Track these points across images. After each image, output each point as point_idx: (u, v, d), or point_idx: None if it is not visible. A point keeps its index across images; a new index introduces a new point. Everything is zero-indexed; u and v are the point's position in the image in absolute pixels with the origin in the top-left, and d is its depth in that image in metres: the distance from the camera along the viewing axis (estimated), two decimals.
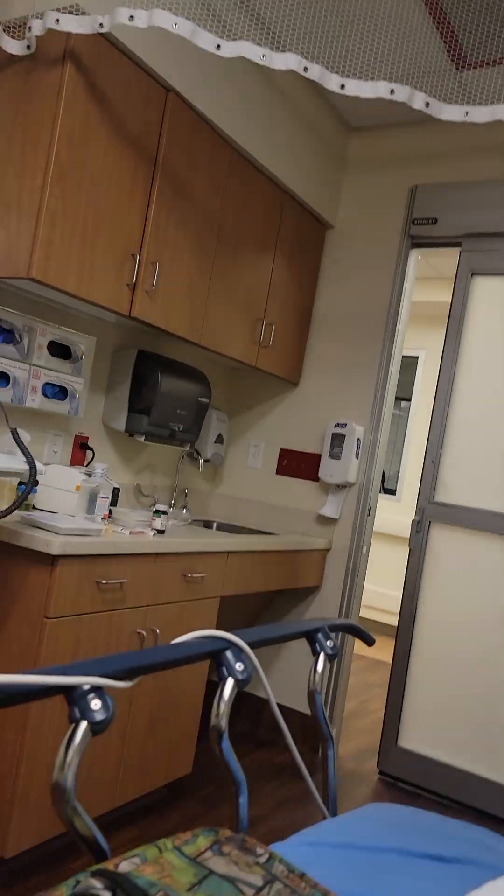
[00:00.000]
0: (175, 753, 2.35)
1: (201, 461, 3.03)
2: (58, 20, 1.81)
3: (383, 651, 4.91)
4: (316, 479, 3.12)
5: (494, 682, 2.66)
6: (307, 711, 3.01)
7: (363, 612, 5.25)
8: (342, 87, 1.90)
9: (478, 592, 2.72)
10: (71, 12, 1.90)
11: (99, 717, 0.82)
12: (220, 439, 3.17)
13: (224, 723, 1.07)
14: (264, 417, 3.29)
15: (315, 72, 1.87)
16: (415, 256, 3.04)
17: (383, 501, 5.49)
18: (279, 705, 3.09)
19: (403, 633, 2.86)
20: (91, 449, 2.58)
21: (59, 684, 0.81)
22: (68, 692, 0.83)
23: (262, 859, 0.87)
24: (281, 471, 3.22)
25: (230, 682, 1.07)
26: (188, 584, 2.30)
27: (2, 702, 0.74)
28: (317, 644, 1.31)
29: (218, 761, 1.09)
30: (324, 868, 0.98)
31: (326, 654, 1.30)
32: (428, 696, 2.79)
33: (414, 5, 2.31)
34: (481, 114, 1.92)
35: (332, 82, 1.87)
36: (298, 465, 3.18)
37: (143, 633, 2.14)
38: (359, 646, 4.92)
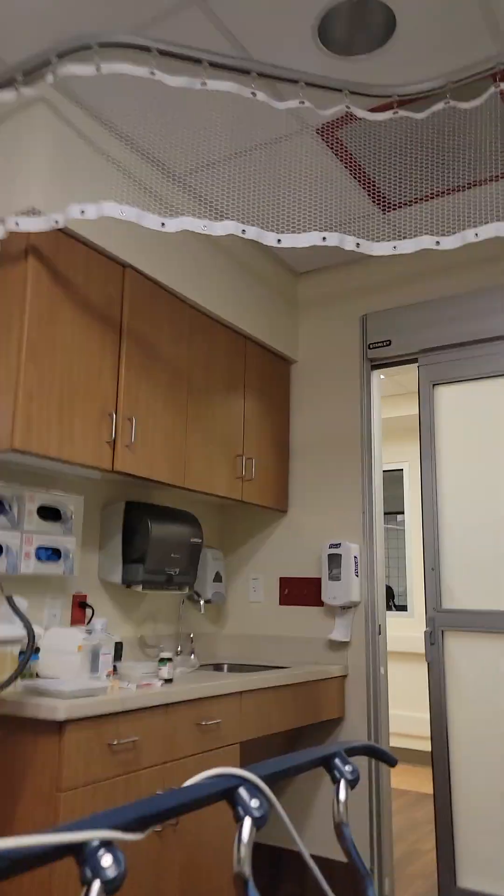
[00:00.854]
0: None
1: (202, 602, 3.01)
2: (17, 223, 2.03)
3: (425, 782, 4.60)
4: (320, 603, 3.09)
5: None
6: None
7: (398, 742, 4.98)
8: (279, 241, 2.11)
9: None
10: (28, 214, 2.14)
11: (111, 873, 0.79)
12: (218, 577, 3.17)
13: (247, 869, 1.01)
14: (259, 549, 3.31)
15: (252, 232, 2.09)
16: (377, 376, 3.21)
17: (398, 619, 5.37)
18: (318, 857, 2.86)
19: (439, 758, 2.72)
20: (90, 606, 2.57)
21: (65, 842, 0.79)
22: (77, 851, 0.80)
23: None
24: (284, 600, 3.19)
25: (248, 822, 1.03)
26: (204, 733, 2.22)
27: (4, 871, 0.72)
28: (335, 771, 1.26)
29: None
30: None
31: (347, 781, 1.25)
32: (480, 825, 2.61)
33: (334, 167, 2.61)
34: (408, 246, 2.12)
35: (269, 238, 2.09)
36: (300, 591, 3.16)
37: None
38: (399, 779, 4.62)
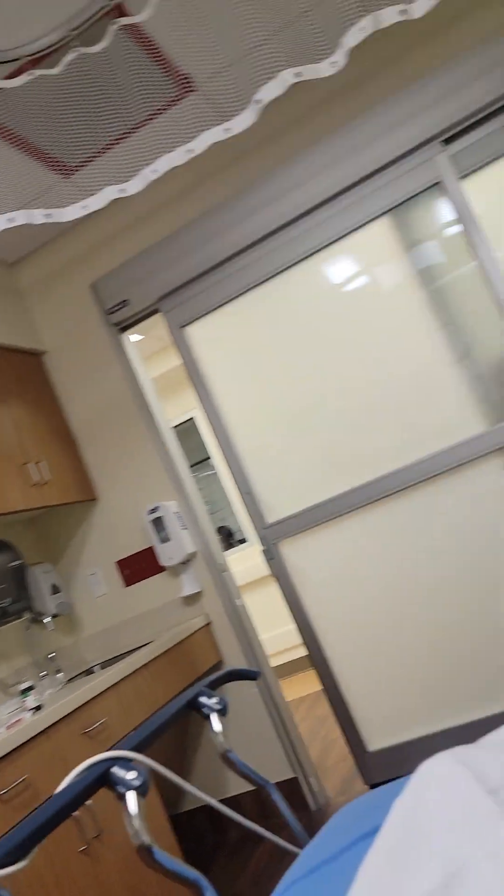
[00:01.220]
0: None
1: (48, 620, 2.90)
2: None
3: (316, 682, 4.91)
4: (161, 569, 3.12)
5: (410, 643, 2.78)
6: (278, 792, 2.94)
7: (281, 658, 5.24)
8: None
9: (348, 576, 2.85)
10: None
11: None
12: (55, 589, 3.06)
13: (146, 838, 1.03)
14: (86, 544, 3.24)
15: None
16: (127, 339, 3.20)
17: (243, 552, 5.57)
18: (247, 793, 2.98)
19: (316, 655, 2.91)
20: None
21: None
22: None
23: None
24: (128, 581, 3.17)
25: (131, 796, 1.04)
26: (93, 738, 2.18)
27: None
28: (203, 708, 1.31)
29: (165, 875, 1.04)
30: None
31: (216, 711, 1.30)
32: (367, 690, 2.84)
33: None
34: (95, 202, 2.10)
35: None
36: (140, 566, 3.16)
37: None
38: (295, 689, 4.89)
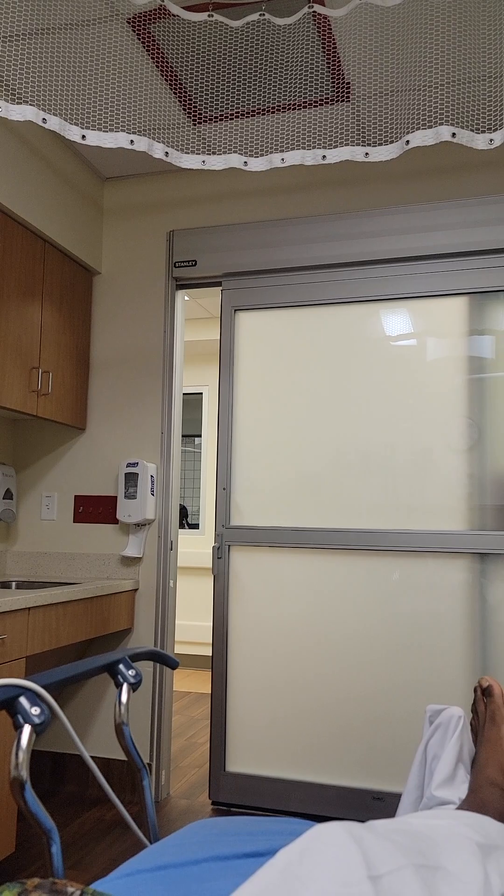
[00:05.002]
0: None
1: None
2: None
3: (204, 684, 4.94)
4: (115, 521, 3.11)
5: (307, 691, 2.80)
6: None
7: (182, 649, 5.25)
8: (83, 137, 1.97)
9: (281, 604, 2.87)
10: None
11: None
12: (8, 494, 3.04)
13: (24, 773, 1.03)
14: (55, 466, 3.22)
15: (54, 123, 1.92)
16: (181, 297, 3.19)
17: (190, 537, 5.57)
18: (101, 758, 2.98)
19: (218, 659, 2.92)
20: None
21: None
22: None
23: None
24: (78, 518, 3.16)
25: (27, 729, 1.04)
26: None
27: None
28: (119, 676, 1.31)
29: (25, 815, 1.04)
30: (141, 893, 0.98)
31: (129, 684, 1.30)
32: (249, 715, 2.86)
33: (145, 65, 2.46)
34: (217, 162, 2.09)
35: (73, 133, 1.94)
36: (96, 509, 3.14)
37: None
38: (181, 683, 4.90)
